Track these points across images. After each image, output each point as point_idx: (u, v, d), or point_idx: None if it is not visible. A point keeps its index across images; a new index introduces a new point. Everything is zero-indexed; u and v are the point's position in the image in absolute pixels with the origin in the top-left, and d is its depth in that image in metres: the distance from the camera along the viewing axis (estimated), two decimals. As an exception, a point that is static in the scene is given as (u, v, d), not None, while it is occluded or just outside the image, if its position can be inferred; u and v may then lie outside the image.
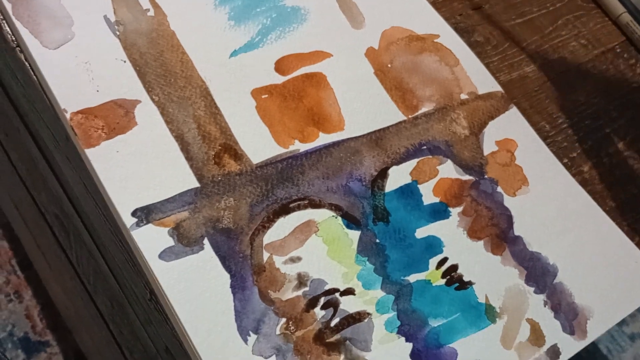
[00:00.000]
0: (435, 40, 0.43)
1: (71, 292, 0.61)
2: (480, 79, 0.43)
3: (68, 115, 0.34)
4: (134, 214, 0.32)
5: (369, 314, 0.32)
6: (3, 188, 0.72)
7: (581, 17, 0.51)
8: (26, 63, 0.36)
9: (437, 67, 0.42)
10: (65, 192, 0.43)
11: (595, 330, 0.35)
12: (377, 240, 0.34)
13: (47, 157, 0.44)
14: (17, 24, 0.36)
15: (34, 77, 0.36)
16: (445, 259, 0.35)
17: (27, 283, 0.81)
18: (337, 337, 0.32)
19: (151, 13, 0.38)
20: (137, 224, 0.31)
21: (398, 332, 0.32)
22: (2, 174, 0.68)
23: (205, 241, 0.32)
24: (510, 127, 0.41)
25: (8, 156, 0.58)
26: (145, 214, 0.32)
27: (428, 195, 0.37)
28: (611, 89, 0.48)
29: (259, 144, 0.36)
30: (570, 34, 0.50)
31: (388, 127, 0.39)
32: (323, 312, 0.32)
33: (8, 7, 0.36)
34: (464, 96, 0.41)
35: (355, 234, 0.34)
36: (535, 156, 0.40)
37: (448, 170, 0.38)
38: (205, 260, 0.31)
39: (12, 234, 0.84)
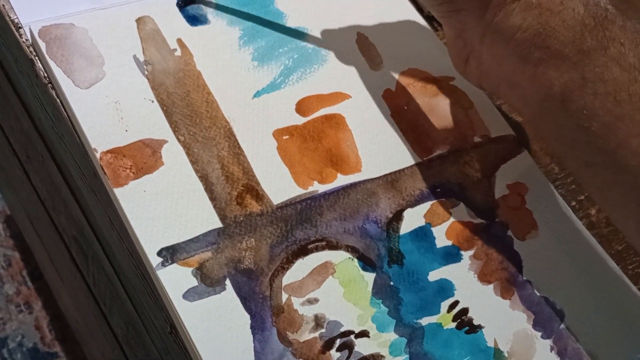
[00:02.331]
0: (450, 83, 0.45)
1: (84, 309, 0.62)
2: (493, 122, 0.44)
3: (98, 155, 0.35)
4: (159, 253, 0.33)
5: (382, 356, 0.33)
6: (18, 202, 0.74)
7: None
8: (57, 99, 0.38)
9: (451, 110, 0.43)
10: (87, 219, 0.45)
11: (599, 374, 0.37)
12: (392, 283, 0.35)
13: (70, 186, 0.45)
14: (51, 63, 0.37)
15: (65, 113, 0.37)
16: (456, 302, 0.36)
17: (37, 294, 0.82)
18: (351, 377, 0.33)
19: (178, 53, 0.40)
20: (163, 264, 0.33)
21: (409, 374, 0.34)
22: (19, 190, 0.70)
23: (227, 282, 0.33)
24: (521, 170, 0.42)
25: (28, 176, 0.59)
26: (170, 254, 0.33)
27: (441, 238, 0.38)
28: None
29: (279, 184, 0.37)
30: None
31: (403, 169, 0.40)
32: (338, 354, 0.33)
33: (42, 46, 0.38)
34: (477, 139, 0.43)
35: (370, 276, 0.35)
36: (544, 200, 0.42)
37: (460, 213, 0.39)
38: (227, 301, 0.32)
39: (24, 244, 0.85)
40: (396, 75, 0.44)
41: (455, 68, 0.41)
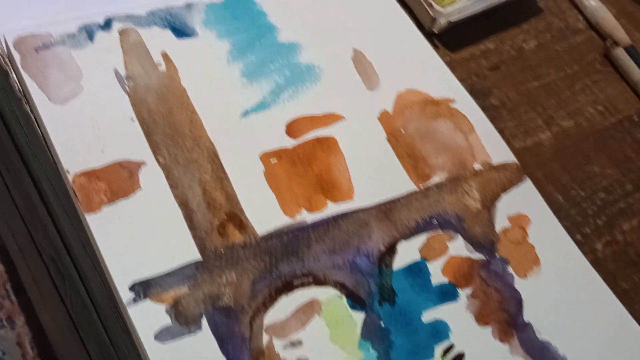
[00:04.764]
0: (451, 105, 0.42)
1: (63, 330, 0.59)
2: (495, 148, 0.42)
3: (70, 177, 0.33)
4: (132, 288, 0.30)
5: (370, 405, 0.31)
6: (0, 214, 0.71)
7: (599, 82, 0.50)
8: (31, 115, 0.35)
9: (451, 134, 0.41)
10: (64, 242, 0.42)
11: None
12: (382, 324, 0.33)
13: (47, 205, 0.42)
14: (25, 76, 0.35)
15: (39, 130, 0.35)
16: (451, 346, 0.33)
17: (20, 309, 0.80)
18: None
19: (162, 68, 0.38)
20: (135, 300, 0.30)
21: (399, 422, 0.31)
22: (1, 202, 0.67)
23: (204, 320, 0.30)
24: (524, 201, 0.40)
25: (8, 189, 0.57)
26: (143, 289, 0.30)
27: (437, 274, 0.35)
28: (627, 160, 0.47)
29: (265, 212, 0.35)
30: (587, 99, 0.49)
31: (398, 198, 0.37)
32: (322, 403, 0.30)
33: (17, 57, 0.35)
34: (477, 166, 0.40)
35: (359, 316, 0.33)
36: (548, 234, 0.39)
37: (458, 247, 0.37)
38: (203, 342, 0.30)
39: (8, 257, 0.83)
40: (393, 96, 0.42)
41: None
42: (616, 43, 0.52)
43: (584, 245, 0.41)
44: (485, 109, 0.45)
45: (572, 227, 0.42)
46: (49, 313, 0.67)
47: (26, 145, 0.40)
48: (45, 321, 0.74)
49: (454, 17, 0.47)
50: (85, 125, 0.34)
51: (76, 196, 0.32)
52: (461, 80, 0.46)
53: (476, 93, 0.46)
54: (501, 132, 0.45)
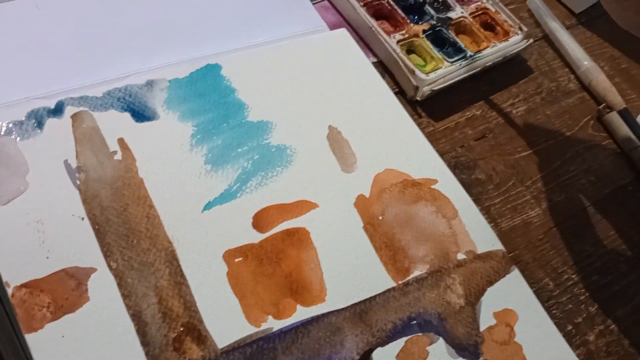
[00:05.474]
0: (433, 187, 0.40)
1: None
2: (480, 234, 0.39)
3: (10, 290, 0.30)
4: (72, 422, 0.27)
5: None
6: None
7: (591, 149, 0.48)
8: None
9: (433, 220, 0.38)
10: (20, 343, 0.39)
11: None
12: None
13: (3, 303, 0.40)
14: (-36, 173, 0.32)
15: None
16: None
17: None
18: None
19: (119, 156, 0.35)
20: None
21: None
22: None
23: None
24: (511, 294, 0.37)
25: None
26: (86, 423, 0.27)
27: (415, 386, 0.33)
28: (622, 236, 0.44)
29: (226, 321, 0.32)
30: (579, 169, 0.46)
31: (375, 298, 0.34)
32: None
33: (-45, 152, 0.32)
34: (460, 256, 0.37)
35: None
36: (536, 330, 0.36)
37: (439, 351, 0.34)
38: None
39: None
40: (371, 178, 0.39)
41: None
42: (609, 107, 0.49)
43: (576, 337, 0.38)
44: (470, 184, 0.43)
45: (563, 317, 0.39)
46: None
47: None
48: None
49: (438, 85, 0.45)
50: (29, 228, 0.31)
51: (16, 313, 0.29)
52: (445, 152, 0.43)
53: (461, 167, 0.43)
54: (487, 210, 0.42)
